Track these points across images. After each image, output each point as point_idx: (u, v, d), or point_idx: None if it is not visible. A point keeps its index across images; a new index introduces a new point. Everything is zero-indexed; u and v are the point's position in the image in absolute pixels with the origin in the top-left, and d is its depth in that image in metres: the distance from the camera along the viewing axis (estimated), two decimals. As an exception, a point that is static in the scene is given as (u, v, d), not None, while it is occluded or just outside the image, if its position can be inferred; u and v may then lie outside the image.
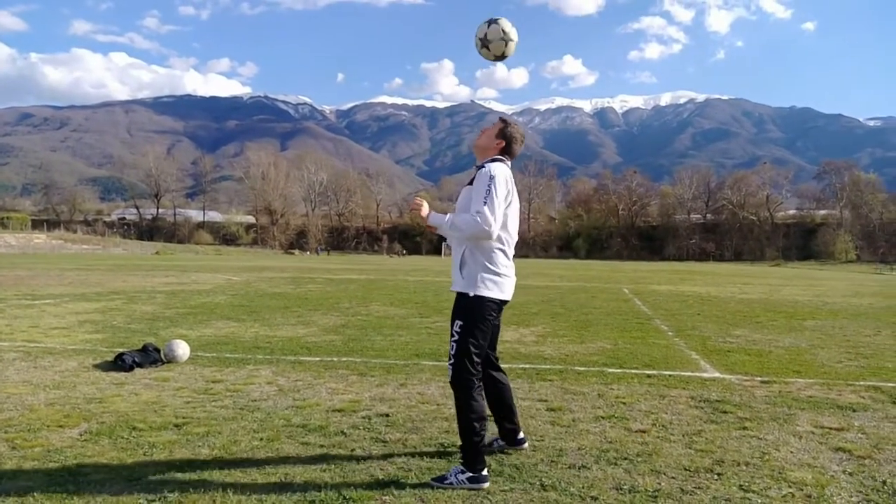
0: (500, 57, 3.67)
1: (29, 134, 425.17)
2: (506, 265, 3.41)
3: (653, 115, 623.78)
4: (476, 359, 3.34)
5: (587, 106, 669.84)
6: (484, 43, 3.60)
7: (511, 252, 3.48)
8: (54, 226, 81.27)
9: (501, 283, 3.38)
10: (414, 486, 3.13)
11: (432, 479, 3.24)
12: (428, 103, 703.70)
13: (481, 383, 3.38)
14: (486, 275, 3.34)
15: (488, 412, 3.42)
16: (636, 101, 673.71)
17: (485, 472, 3.21)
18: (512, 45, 3.61)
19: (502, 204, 3.29)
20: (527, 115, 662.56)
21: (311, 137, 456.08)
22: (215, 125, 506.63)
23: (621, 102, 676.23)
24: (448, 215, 3.40)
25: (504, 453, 3.65)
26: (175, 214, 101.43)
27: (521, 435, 3.74)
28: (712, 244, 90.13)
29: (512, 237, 3.46)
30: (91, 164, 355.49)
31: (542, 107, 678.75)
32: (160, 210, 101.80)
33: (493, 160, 3.48)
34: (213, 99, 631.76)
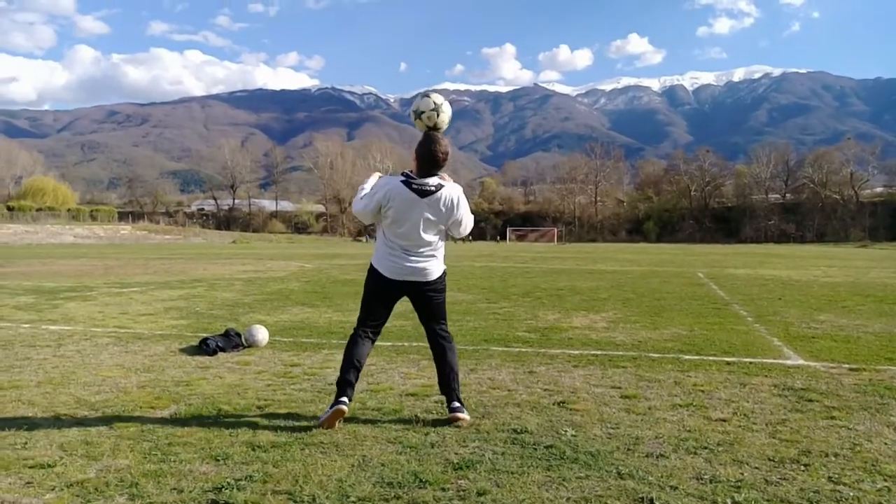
0: (434, 127, 3.99)
1: (114, 130, 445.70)
2: (389, 253, 4.04)
3: (725, 92, 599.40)
4: (362, 314, 4.17)
5: (655, 84, 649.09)
6: (417, 115, 3.99)
7: (398, 246, 4.02)
8: (138, 217, 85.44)
9: (384, 263, 4.07)
10: (488, 471, 3.14)
11: None
12: (490, 88, 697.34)
13: (366, 337, 4.11)
14: (377, 253, 4.14)
15: (362, 362, 4.05)
16: (707, 78, 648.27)
17: (343, 399, 3.82)
18: (444, 117, 3.99)
19: (369, 201, 3.97)
20: (592, 97, 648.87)
21: (376, 126, 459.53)
22: (286, 117, 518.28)
23: (691, 79, 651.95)
24: (370, 186, 4.11)
25: (573, 438, 3.62)
26: (250, 204, 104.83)
27: (456, 404, 3.98)
28: (792, 225, 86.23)
29: (398, 237, 3.99)
30: (171, 157, 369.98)
31: (608, 87, 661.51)
32: (236, 201, 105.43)
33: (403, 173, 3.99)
34: (283, 92, 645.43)
